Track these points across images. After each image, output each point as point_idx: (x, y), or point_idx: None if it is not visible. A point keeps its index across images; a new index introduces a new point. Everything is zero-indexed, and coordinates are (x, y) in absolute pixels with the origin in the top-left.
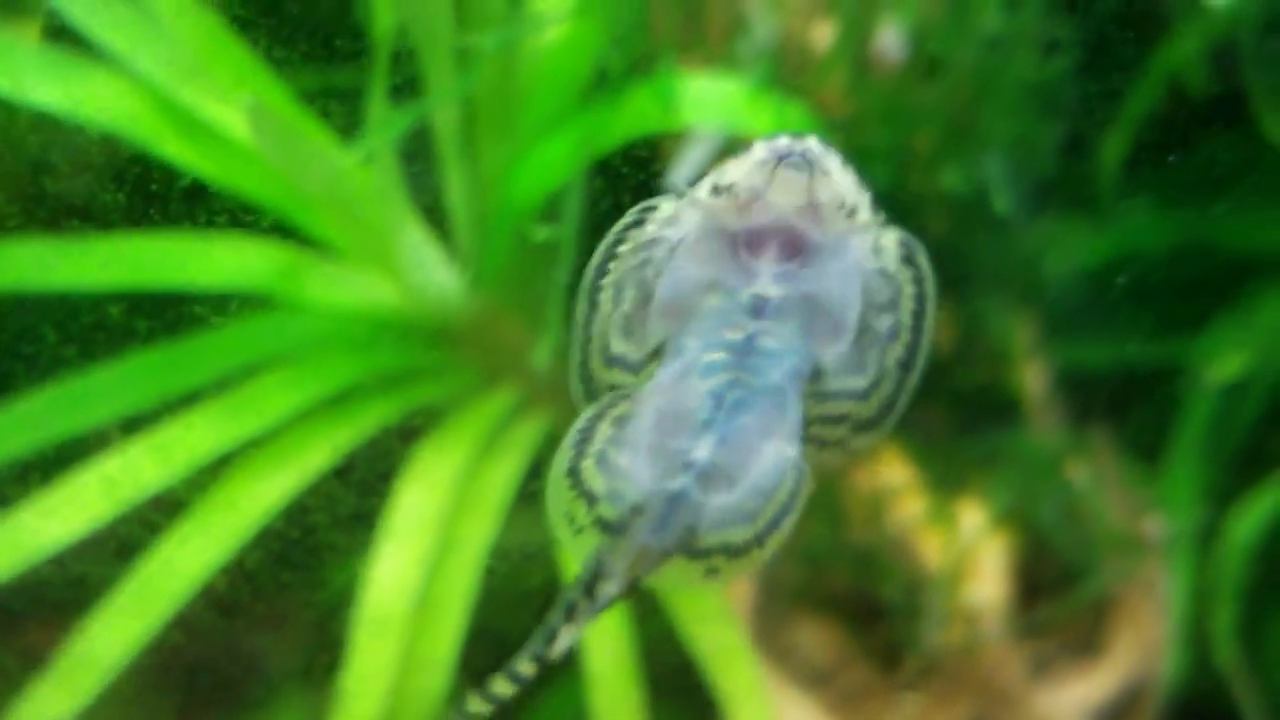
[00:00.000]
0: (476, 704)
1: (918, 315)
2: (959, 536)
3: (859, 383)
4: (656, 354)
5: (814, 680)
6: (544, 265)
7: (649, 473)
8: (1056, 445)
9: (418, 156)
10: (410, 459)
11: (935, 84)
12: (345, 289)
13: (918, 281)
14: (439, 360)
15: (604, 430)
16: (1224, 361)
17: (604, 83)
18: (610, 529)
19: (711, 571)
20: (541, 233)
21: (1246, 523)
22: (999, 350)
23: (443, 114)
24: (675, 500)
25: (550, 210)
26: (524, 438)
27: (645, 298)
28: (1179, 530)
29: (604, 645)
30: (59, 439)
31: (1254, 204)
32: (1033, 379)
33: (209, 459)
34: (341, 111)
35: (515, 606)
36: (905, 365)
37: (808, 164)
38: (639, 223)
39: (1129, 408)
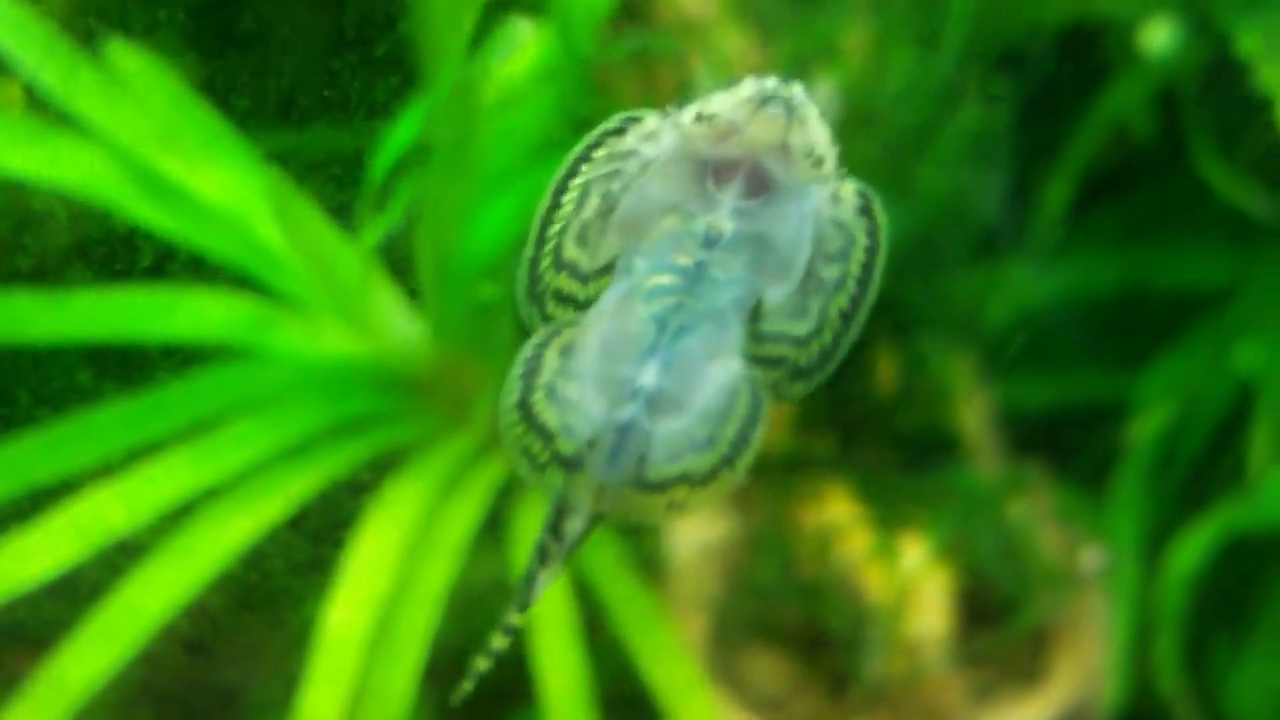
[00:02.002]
0: (481, 662)
1: (867, 268)
2: (902, 571)
3: (800, 328)
4: (607, 269)
5: (766, 709)
6: (502, 314)
7: (599, 403)
8: (995, 482)
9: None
10: (373, 501)
11: (871, 137)
12: (309, 340)
13: (871, 234)
14: (401, 407)
15: (550, 360)
16: (1153, 411)
17: (553, 144)
18: (569, 464)
19: (674, 505)
20: (488, 290)
21: (1187, 551)
22: (940, 390)
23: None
24: (625, 430)
25: (504, 264)
26: (484, 481)
27: (608, 209)
28: (1120, 559)
29: (560, 677)
30: (34, 487)
31: (1192, 244)
32: (973, 418)
33: (176, 504)
34: (301, 169)
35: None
36: (847, 316)
37: (789, 108)
38: (619, 131)
39: (1073, 442)
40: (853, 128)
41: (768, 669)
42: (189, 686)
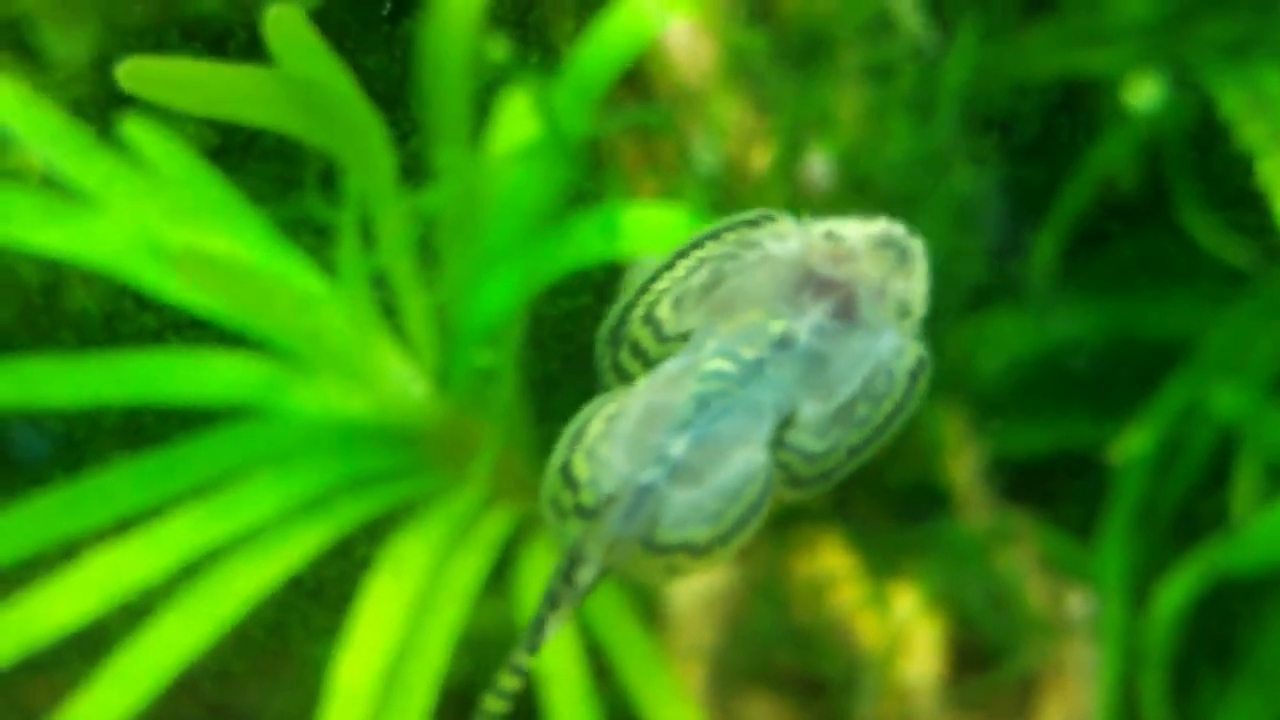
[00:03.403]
0: (493, 702)
1: (889, 420)
2: (894, 619)
3: (814, 445)
4: (683, 338)
5: None
6: (504, 377)
7: (625, 463)
8: (984, 532)
9: (385, 276)
10: (381, 554)
11: (865, 203)
12: (319, 400)
13: (907, 394)
14: (408, 463)
15: (595, 427)
16: (1131, 441)
17: (555, 215)
18: (588, 514)
19: (672, 569)
20: (485, 357)
21: (1173, 593)
22: (931, 444)
23: (395, 252)
24: (644, 491)
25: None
26: (490, 533)
27: (712, 284)
28: (1107, 603)
29: None
30: (51, 544)
31: (1176, 293)
32: (963, 470)
33: (191, 559)
34: (314, 238)
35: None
36: (853, 452)
37: (904, 256)
38: (755, 223)
39: (1060, 489)
40: (847, 195)
41: (765, 713)
42: None
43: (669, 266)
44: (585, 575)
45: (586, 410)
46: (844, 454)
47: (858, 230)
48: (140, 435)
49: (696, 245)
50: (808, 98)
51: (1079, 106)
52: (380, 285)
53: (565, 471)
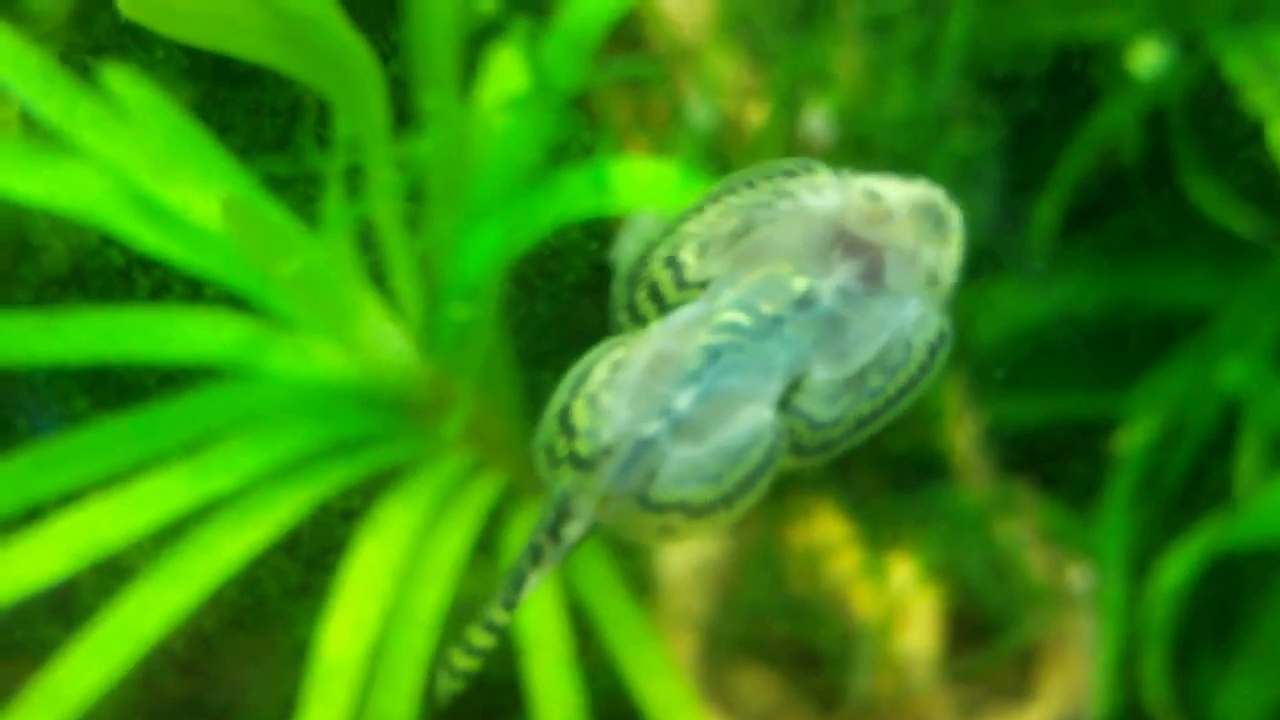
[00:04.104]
0: (462, 659)
1: (901, 392)
2: (891, 589)
3: (820, 413)
4: (701, 286)
5: None
6: (490, 337)
7: (627, 414)
8: (983, 502)
9: (370, 232)
10: (365, 523)
11: (863, 162)
12: (303, 360)
13: (923, 369)
14: (393, 427)
15: (600, 373)
16: (1139, 426)
17: (543, 169)
18: (582, 465)
19: (666, 530)
20: (463, 311)
21: (1175, 567)
22: (929, 411)
23: (385, 202)
24: (643, 445)
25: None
26: (477, 501)
27: (742, 233)
28: (1107, 577)
29: (553, 698)
30: (29, 505)
31: (1180, 263)
32: (962, 438)
33: (170, 521)
34: (298, 194)
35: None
36: (862, 423)
37: (940, 223)
38: (793, 174)
39: (1061, 461)
40: (845, 152)
41: (757, 686)
42: (183, 707)
43: (699, 209)
44: (573, 530)
45: (593, 353)
46: (852, 424)
47: (898, 191)
48: (113, 395)
49: (730, 190)
50: (805, 53)
51: (1081, 71)
52: (364, 241)
53: (563, 417)
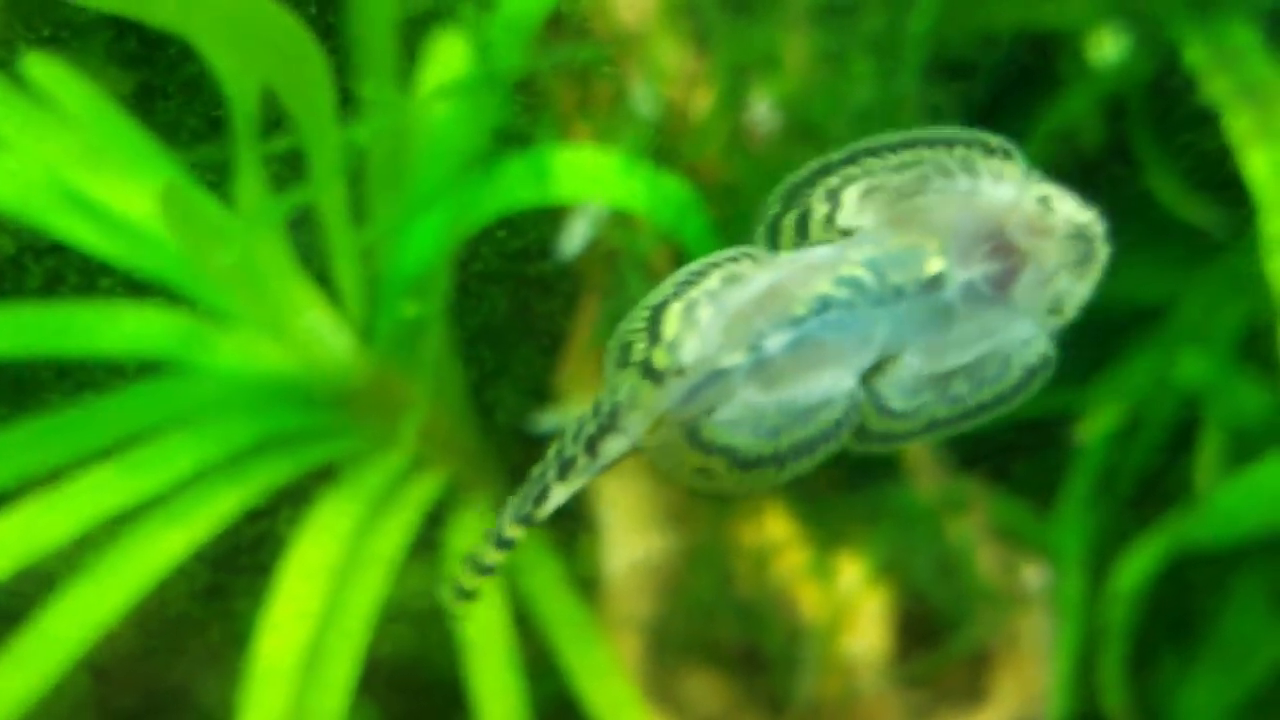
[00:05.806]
0: (469, 579)
1: (983, 407)
2: (839, 589)
3: (898, 402)
4: (845, 233)
5: None
6: (432, 331)
7: (717, 339)
8: (934, 500)
9: (305, 224)
10: (304, 518)
11: (809, 151)
12: (240, 355)
13: (1014, 391)
14: (332, 423)
15: (711, 282)
16: (1099, 416)
17: (485, 158)
18: (651, 375)
19: (705, 473)
20: (411, 308)
21: (1134, 566)
22: None
23: (329, 190)
24: (717, 377)
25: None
26: (416, 498)
27: (909, 193)
28: (1065, 576)
29: (496, 699)
30: None
31: (1139, 255)
32: None
33: (105, 519)
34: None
35: (413, 659)
36: (933, 426)
37: (1087, 261)
38: (991, 153)
39: (1019, 457)
40: (792, 141)
41: (704, 688)
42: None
43: (879, 153)
44: (613, 446)
45: (713, 256)
46: (923, 423)
47: (1070, 208)
48: (42, 391)
49: (928, 143)
50: (750, 39)
51: (1040, 60)
52: (301, 230)
53: (655, 316)
